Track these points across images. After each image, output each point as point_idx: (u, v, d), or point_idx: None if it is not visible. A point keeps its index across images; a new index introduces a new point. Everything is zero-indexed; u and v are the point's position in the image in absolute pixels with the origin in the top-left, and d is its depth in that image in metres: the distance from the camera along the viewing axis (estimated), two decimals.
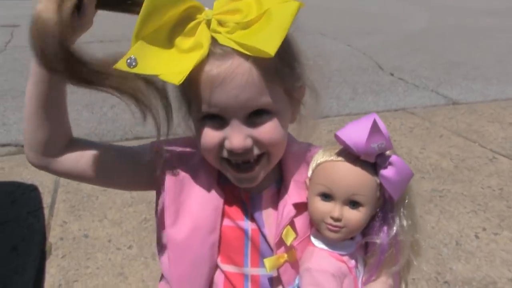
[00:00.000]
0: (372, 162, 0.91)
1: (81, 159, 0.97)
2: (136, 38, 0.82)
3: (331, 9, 11.16)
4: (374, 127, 0.86)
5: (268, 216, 0.99)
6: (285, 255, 0.97)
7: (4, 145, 3.88)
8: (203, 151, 0.93)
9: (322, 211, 0.94)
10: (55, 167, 0.97)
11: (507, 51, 7.76)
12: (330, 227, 0.93)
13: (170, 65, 0.82)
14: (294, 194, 0.98)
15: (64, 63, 0.78)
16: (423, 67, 6.52)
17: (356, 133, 0.88)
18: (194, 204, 0.97)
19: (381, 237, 0.97)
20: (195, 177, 0.99)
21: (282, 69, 0.88)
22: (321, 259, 0.95)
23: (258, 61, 0.82)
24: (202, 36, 0.82)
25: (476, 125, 4.30)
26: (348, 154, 0.92)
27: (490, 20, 11.04)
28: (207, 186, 0.98)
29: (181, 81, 0.80)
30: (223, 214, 0.98)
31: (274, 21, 0.80)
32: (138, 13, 0.81)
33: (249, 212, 0.99)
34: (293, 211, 0.96)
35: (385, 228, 0.97)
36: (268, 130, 0.88)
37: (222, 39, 0.82)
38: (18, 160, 3.47)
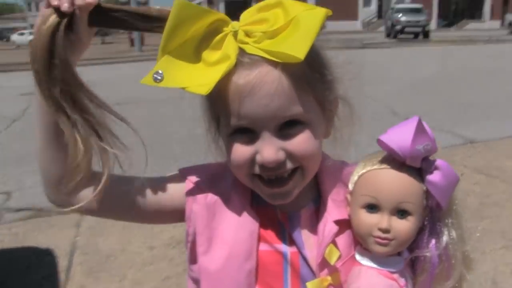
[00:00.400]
0: (417, 168, 0.87)
1: (105, 194, 0.91)
2: (162, 52, 0.81)
3: None
4: (419, 128, 0.82)
5: (308, 237, 0.93)
6: (329, 278, 0.90)
7: (18, 210, 3.84)
8: (234, 168, 0.89)
9: (369, 224, 0.88)
10: (75, 203, 0.92)
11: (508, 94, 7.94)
12: (378, 240, 0.87)
13: (197, 78, 0.80)
14: (334, 211, 0.93)
15: (58, 84, 0.80)
16: (437, 109, 6.57)
17: (400, 135, 0.84)
18: (227, 230, 0.92)
19: (430, 250, 0.91)
20: (227, 201, 0.93)
21: (313, 77, 0.85)
22: (371, 277, 0.89)
23: (287, 68, 0.79)
24: (229, 47, 0.80)
25: (495, 161, 4.32)
26: (392, 160, 0.88)
27: (494, 63, 11.21)
28: (240, 209, 0.93)
29: (209, 91, 0.77)
30: (259, 238, 0.92)
31: (302, 27, 0.79)
32: (147, 29, 0.83)
33: (287, 234, 0.93)
34: (335, 228, 0.91)
35: (433, 240, 0.91)
36: (301, 141, 0.84)
37: (249, 48, 0.80)
38: (33, 225, 3.42)
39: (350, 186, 0.93)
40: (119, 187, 0.93)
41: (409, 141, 0.82)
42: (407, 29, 27.82)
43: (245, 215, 0.91)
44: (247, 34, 0.81)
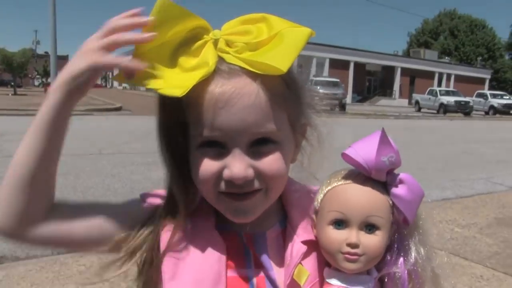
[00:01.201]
0: (382, 182, 0.86)
1: (63, 224, 0.86)
2: (137, 50, 0.77)
3: None
4: (384, 139, 0.82)
5: (275, 258, 0.89)
6: None
7: None
8: (199, 183, 0.84)
9: (337, 240, 0.86)
10: (32, 235, 0.84)
11: (425, 160, 8.68)
12: (348, 256, 0.85)
13: (172, 81, 0.76)
14: (301, 232, 0.90)
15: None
16: None
17: (364, 148, 0.84)
18: (194, 255, 0.86)
19: (399, 267, 0.89)
20: (192, 225, 0.88)
21: (289, 97, 0.83)
22: None
23: (266, 83, 0.77)
24: (208, 55, 0.77)
25: None
26: (357, 175, 0.87)
27: (407, 135, 11.98)
28: (206, 234, 0.88)
29: (184, 93, 0.73)
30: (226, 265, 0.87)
31: (286, 41, 0.77)
32: None
33: (252, 257, 0.89)
34: (303, 248, 0.88)
35: (401, 257, 0.90)
36: (272, 161, 0.81)
37: (229, 58, 0.77)
38: None
39: (316, 205, 0.91)
40: (80, 218, 0.87)
41: (374, 152, 0.82)
42: (324, 101, 29.02)
43: (212, 239, 0.87)
44: (228, 43, 0.78)
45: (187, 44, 0.79)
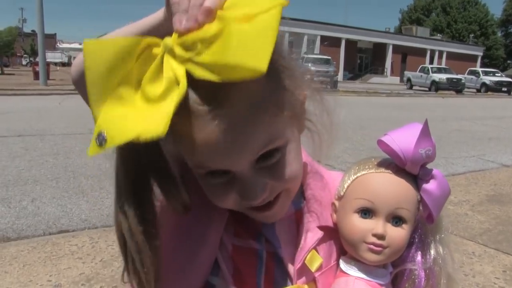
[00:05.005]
0: (413, 175, 0.83)
1: None
2: (95, 108, 0.64)
3: None
4: (425, 131, 0.79)
5: (284, 239, 0.85)
6: (306, 287, 0.83)
7: None
8: (217, 204, 0.79)
9: (363, 229, 0.82)
10: None
11: None
12: (372, 247, 0.81)
13: (147, 120, 0.61)
14: (318, 216, 0.86)
15: None
16: (347, 153, 6.79)
17: (402, 137, 0.80)
18: (191, 215, 0.79)
19: (416, 265, 0.86)
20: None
21: (282, 94, 0.72)
22: None
23: (250, 96, 0.66)
24: (170, 71, 0.63)
25: None
26: (389, 165, 0.84)
27: (399, 113, 12.00)
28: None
29: (166, 129, 0.59)
30: (235, 233, 0.83)
31: (255, 24, 0.59)
32: None
33: (263, 234, 0.85)
34: (319, 233, 0.84)
35: (419, 255, 0.87)
36: (283, 169, 0.74)
37: (195, 69, 0.61)
38: None
39: (341, 190, 0.87)
40: None
41: (412, 143, 0.78)
42: (316, 78, 28.99)
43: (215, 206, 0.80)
44: (185, 47, 0.62)
45: (143, 72, 0.65)
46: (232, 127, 0.65)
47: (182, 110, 0.63)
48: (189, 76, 0.62)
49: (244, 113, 0.66)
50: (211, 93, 0.64)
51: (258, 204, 0.75)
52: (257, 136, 0.68)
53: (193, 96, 0.65)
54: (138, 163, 0.72)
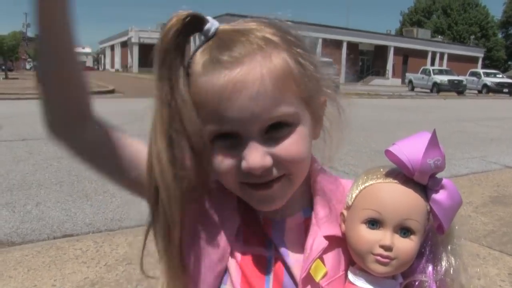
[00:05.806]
0: (422, 185, 0.81)
1: (114, 133, 0.84)
2: None
3: None
4: (433, 141, 0.77)
5: (293, 247, 0.85)
6: None
7: None
8: (219, 177, 0.81)
9: (370, 240, 0.81)
10: (82, 135, 0.81)
11: None
12: (379, 258, 0.80)
13: None
14: (325, 225, 0.85)
15: None
16: (350, 155, 6.78)
17: (410, 147, 0.79)
18: (208, 230, 0.84)
19: (427, 276, 0.84)
20: (214, 200, 0.86)
21: (300, 73, 0.78)
22: None
23: (271, 65, 0.74)
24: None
25: None
26: (397, 175, 0.82)
27: (401, 114, 12.00)
28: (226, 207, 0.86)
29: None
30: (244, 240, 0.85)
31: None
32: None
33: (272, 242, 0.86)
34: (324, 243, 0.83)
35: (431, 266, 0.85)
36: (290, 145, 0.77)
37: None
38: None
39: (349, 200, 0.86)
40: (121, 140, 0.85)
41: (421, 153, 0.77)
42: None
43: (228, 215, 0.85)
44: None
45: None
46: (253, 90, 0.73)
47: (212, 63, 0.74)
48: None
49: (268, 79, 0.73)
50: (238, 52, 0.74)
51: (258, 175, 0.76)
52: (273, 103, 0.74)
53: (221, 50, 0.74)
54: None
